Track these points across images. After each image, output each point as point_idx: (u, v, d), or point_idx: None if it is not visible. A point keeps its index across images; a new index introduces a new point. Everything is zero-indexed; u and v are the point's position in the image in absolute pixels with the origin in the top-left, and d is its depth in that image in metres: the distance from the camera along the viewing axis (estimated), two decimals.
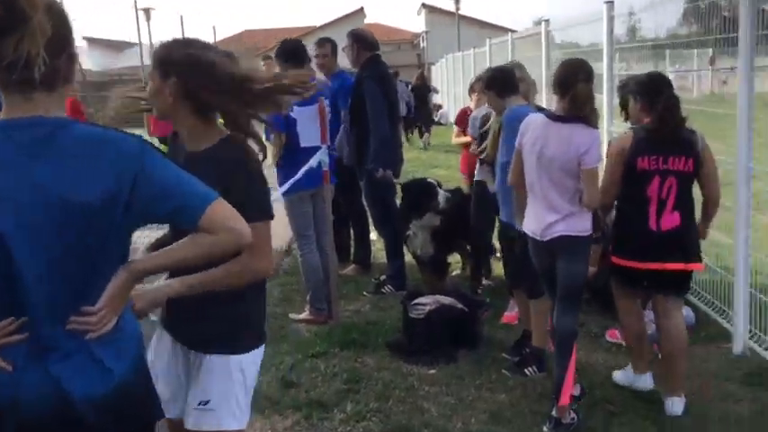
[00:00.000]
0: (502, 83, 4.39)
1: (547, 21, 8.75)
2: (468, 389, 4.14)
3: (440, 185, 5.72)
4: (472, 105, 6.52)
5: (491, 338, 4.86)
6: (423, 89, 19.98)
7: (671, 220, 3.64)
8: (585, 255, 3.60)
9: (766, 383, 4.05)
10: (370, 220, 6.39)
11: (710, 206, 3.83)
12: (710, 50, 7.52)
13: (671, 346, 3.83)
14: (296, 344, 4.82)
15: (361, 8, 52.87)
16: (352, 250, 6.77)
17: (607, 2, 6.31)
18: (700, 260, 3.82)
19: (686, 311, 4.99)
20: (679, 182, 3.62)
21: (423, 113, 19.39)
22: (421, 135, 19.10)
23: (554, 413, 3.63)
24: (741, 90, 4.21)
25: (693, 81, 10.69)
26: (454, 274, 6.36)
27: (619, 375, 4.15)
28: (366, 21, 52.51)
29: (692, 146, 3.63)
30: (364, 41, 5.93)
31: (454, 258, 6.36)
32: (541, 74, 8.53)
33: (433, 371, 4.38)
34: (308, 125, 4.91)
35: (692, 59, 10.19)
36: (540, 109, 4.58)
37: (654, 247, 3.66)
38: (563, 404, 3.59)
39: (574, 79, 3.45)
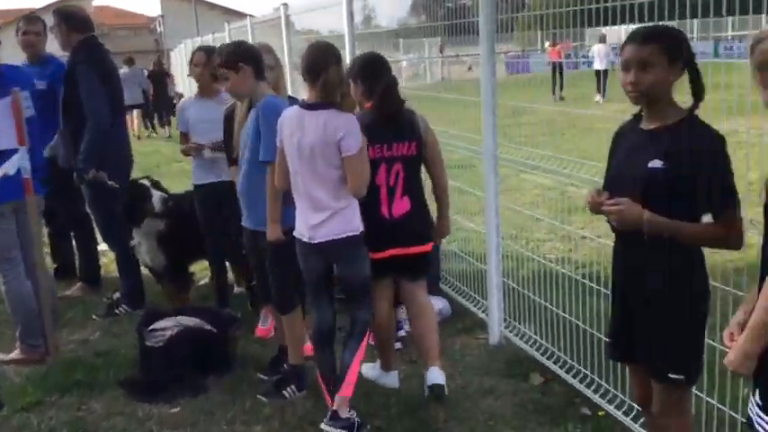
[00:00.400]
0: (255, 62, 3.68)
1: (285, 5, 8.37)
2: (218, 425, 3.59)
3: (157, 185, 4.97)
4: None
5: (246, 357, 4.34)
6: (161, 76, 18.87)
7: (402, 206, 3.63)
8: (363, 253, 3.47)
9: (524, 374, 4.02)
10: (97, 229, 5.51)
11: (440, 191, 3.82)
12: (439, 39, 7.70)
13: (422, 324, 3.84)
14: (2, 394, 3.90)
15: None
16: (78, 266, 5.82)
17: None
18: (432, 240, 3.85)
19: (442, 303, 4.91)
20: (405, 167, 3.61)
21: (162, 102, 18.28)
22: (162, 125, 17.93)
23: (334, 406, 3.46)
24: (484, 77, 4.09)
25: (426, 68, 11.10)
26: (201, 283, 5.73)
27: (367, 370, 4.04)
28: (95, 3, 48.73)
29: (414, 128, 3.63)
30: (74, 21, 5.05)
31: (202, 265, 5.71)
32: (284, 61, 8.16)
33: (176, 409, 3.76)
34: None
35: (423, 47, 10.52)
36: (292, 100, 4.15)
37: (389, 235, 3.62)
38: (345, 395, 3.47)
39: (324, 65, 3.24)
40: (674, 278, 2.40)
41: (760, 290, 1.96)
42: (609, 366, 3.53)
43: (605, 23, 3.36)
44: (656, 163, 2.34)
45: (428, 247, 3.79)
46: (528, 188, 8.39)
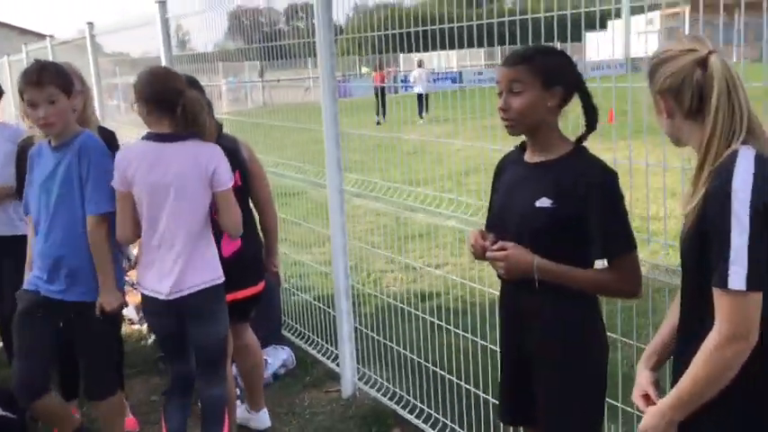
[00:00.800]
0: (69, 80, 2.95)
1: (91, 24, 7.58)
2: None
3: None
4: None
5: None
6: None
7: (232, 244, 3.21)
8: (223, 307, 2.97)
9: (383, 428, 3.64)
10: None
11: (267, 224, 3.49)
12: (259, 63, 7.41)
13: (249, 361, 3.57)
14: None
15: None
16: None
17: (159, 1, 5.47)
18: (263, 278, 3.45)
19: (286, 353, 4.44)
20: None
21: None
22: None
23: None
24: (326, 105, 3.69)
25: (247, 93, 10.72)
26: None
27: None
28: None
29: (236, 157, 3.22)
30: None
31: None
32: (91, 84, 7.33)
33: None
34: None
35: (243, 71, 10.10)
36: (103, 131, 3.50)
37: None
38: None
39: (179, 90, 2.80)
40: (568, 330, 2.12)
41: (674, 346, 1.72)
42: (473, 416, 3.25)
43: (419, 50, 3.39)
44: (543, 201, 2.07)
45: (260, 287, 3.41)
46: (361, 215, 8.10)
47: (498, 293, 2.17)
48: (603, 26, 2.70)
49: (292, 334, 4.81)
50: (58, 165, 2.89)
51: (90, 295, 2.92)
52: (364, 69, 15.23)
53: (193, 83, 3.13)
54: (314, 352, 4.51)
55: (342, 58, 5.50)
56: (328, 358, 4.35)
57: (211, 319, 2.92)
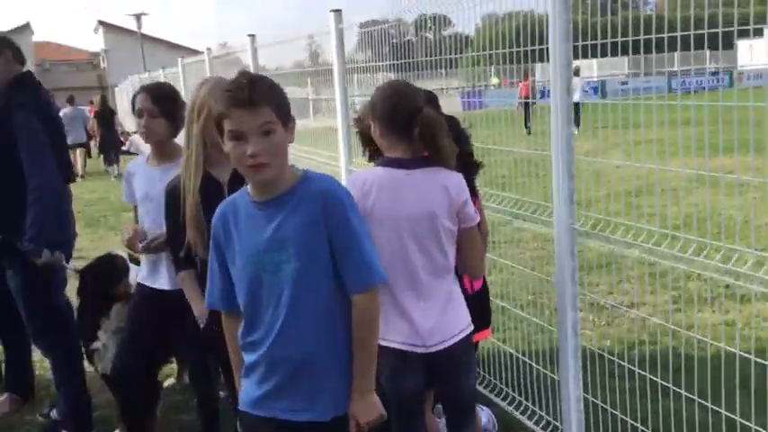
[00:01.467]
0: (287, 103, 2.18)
1: (253, 36, 7.37)
2: None
3: (134, 261, 3.73)
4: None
5: None
6: (107, 114, 17.97)
7: (477, 281, 2.97)
8: (474, 356, 2.74)
9: None
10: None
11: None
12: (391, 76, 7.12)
13: None
14: None
15: (27, 23, 46.82)
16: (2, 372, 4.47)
17: (334, 10, 5.09)
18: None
19: (485, 415, 3.78)
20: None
21: (109, 140, 17.52)
22: (111, 164, 17.11)
23: None
24: (557, 122, 3.01)
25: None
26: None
27: None
28: (34, 38, 47.03)
29: (473, 187, 2.93)
30: (17, 49, 3.87)
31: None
32: None
33: None
34: None
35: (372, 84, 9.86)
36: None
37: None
38: None
39: (415, 106, 2.42)
40: None
41: None
42: None
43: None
44: None
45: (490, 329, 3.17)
46: (526, 239, 7.32)
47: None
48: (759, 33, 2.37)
49: (485, 388, 4.16)
50: (279, 227, 1.98)
51: (339, 405, 2.05)
52: (494, 80, 14.59)
53: (432, 100, 2.64)
54: (518, 415, 3.82)
55: (469, 69, 5.37)
56: (536, 423, 3.65)
57: (468, 370, 2.63)
